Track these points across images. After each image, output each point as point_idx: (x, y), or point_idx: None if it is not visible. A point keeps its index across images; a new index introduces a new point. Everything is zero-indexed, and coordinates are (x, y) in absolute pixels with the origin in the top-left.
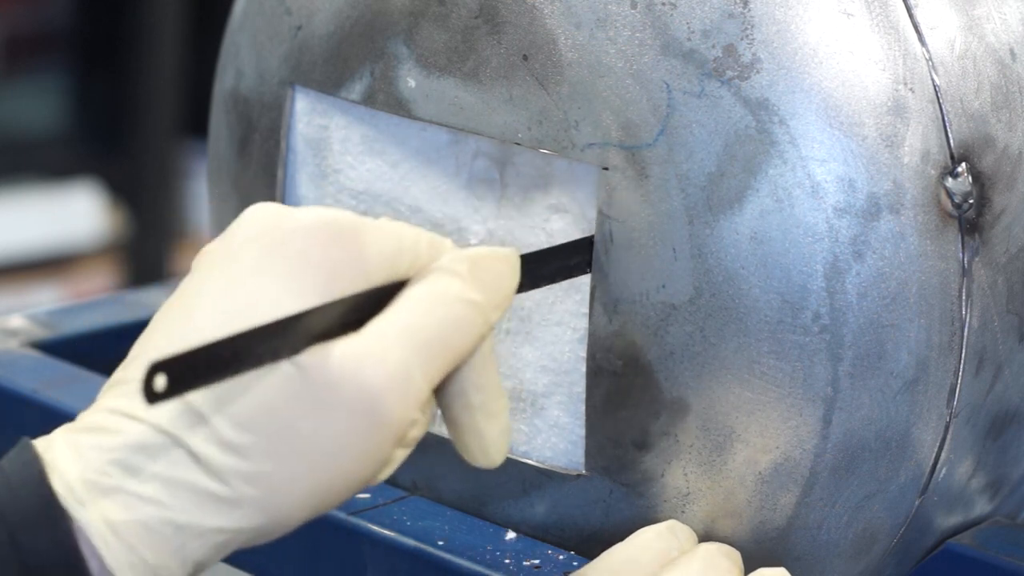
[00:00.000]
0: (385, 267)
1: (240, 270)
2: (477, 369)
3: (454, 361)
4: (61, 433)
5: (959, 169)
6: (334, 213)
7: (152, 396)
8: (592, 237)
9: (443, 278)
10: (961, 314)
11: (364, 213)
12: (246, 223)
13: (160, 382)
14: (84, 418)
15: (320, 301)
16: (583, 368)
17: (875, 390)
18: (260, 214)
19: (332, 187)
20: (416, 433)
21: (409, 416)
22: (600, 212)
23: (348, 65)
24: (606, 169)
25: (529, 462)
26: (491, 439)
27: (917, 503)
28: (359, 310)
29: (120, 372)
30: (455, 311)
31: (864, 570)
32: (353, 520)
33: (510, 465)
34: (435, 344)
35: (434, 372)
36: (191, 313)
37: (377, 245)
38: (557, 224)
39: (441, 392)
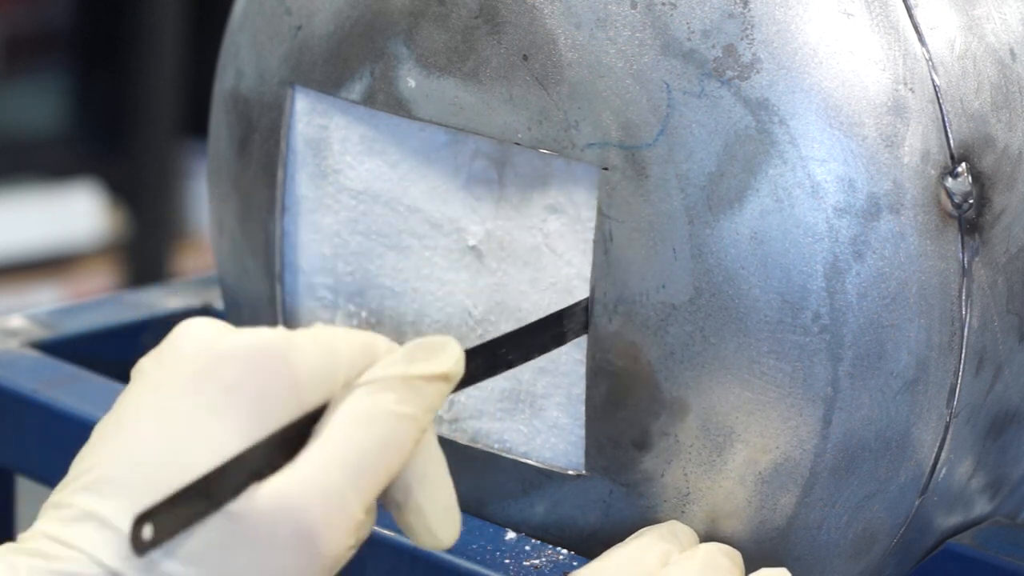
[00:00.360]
0: (319, 388)
1: (173, 395)
2: (418, 463)
3: (391, 477)
4: (4, 553)
5: (959, 169)
6: (265, 338)
7: (141, 547)
8: (586, 301)
9: (375, 395)
10: (961, 314)
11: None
12: (178, 344)
13: (147, 532)
14: (25, 540)
15: (253, 430)
16: (581, 369)
17: (875, 390)
18: (193, 333)
19: (332, 187)
20: (352, 554)
21: (345, 544)
22: (600, 212)
23: (348, 65)
24: (606, 169)
25: (529, 462)
26: (437, 523)
27: (917, 503)
28: (295, 432)
29: (58, 494)
30: (389, 428)
31: (864, 570)
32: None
33: (510, 465)
34: (370, 467)
35: (370, 494)
36: (128, 437)
37: (309, 367)
38: (554, 224)
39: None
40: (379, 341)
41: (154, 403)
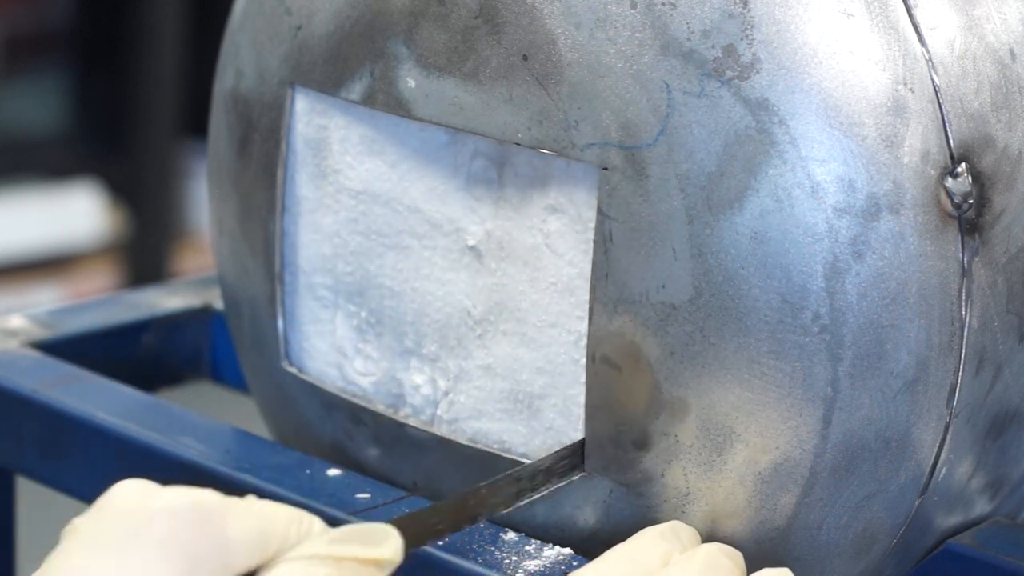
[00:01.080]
0: (249, 554)
1: (105, 548)
2: None
3: None
4: None
5: (959, 169)
6: (199, 497)
7: None
8: (583, 440)
9: (308, 569)
10: (961, 314)
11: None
12: (112, 500)
13: None
14: None
15: None
16: (578, 370)
17: (875, 390)
18: (127, 490)
19: (331, 187)
20: None
21: None
22: (600, 212)
23: (348, 65)
24: (606, 169)
25: (528, 463)
26: None
27: (917, 503)
28: None
29: None
30: None
31: (864, 570)
32: (353, 520)
33: (510, 465)
34: None
35: None
36: None
37: (242, 531)
38: (554, 225)
39: None
40: (314, 522)
41: (81, 563)
